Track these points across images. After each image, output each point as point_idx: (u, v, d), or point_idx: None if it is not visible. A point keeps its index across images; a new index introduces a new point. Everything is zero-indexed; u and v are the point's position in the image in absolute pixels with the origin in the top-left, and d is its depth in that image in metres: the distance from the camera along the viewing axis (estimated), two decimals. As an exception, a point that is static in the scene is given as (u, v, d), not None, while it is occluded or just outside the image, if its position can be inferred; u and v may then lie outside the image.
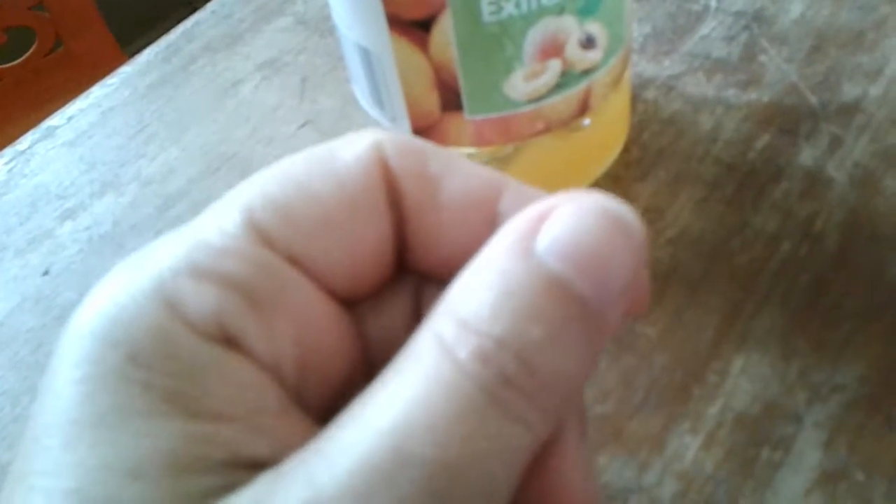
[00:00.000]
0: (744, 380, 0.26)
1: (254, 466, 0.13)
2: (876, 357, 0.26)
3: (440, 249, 0.16)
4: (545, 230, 0.13)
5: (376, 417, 0.12)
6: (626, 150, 0.33)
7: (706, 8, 0.38)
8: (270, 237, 0.14)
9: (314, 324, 0.15)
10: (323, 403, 0.15)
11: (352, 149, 0.15)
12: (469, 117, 0.27)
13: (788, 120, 0.33)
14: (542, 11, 0.24)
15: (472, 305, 0.13)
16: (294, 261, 0.15)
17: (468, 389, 0.12)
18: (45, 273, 0.34)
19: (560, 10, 0.24)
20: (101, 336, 0.13)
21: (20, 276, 0.34)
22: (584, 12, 0.25)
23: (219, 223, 0.14)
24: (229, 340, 0.14)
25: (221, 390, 0.13)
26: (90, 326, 0.13)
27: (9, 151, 0.40)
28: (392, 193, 0.15)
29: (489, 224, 0.15)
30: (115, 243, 0.34)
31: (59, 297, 0.33)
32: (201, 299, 0.13)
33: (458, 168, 0.16)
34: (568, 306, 0.12)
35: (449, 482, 0.12)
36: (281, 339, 0.14)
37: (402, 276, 0.17)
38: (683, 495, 0.24)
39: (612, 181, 0.32)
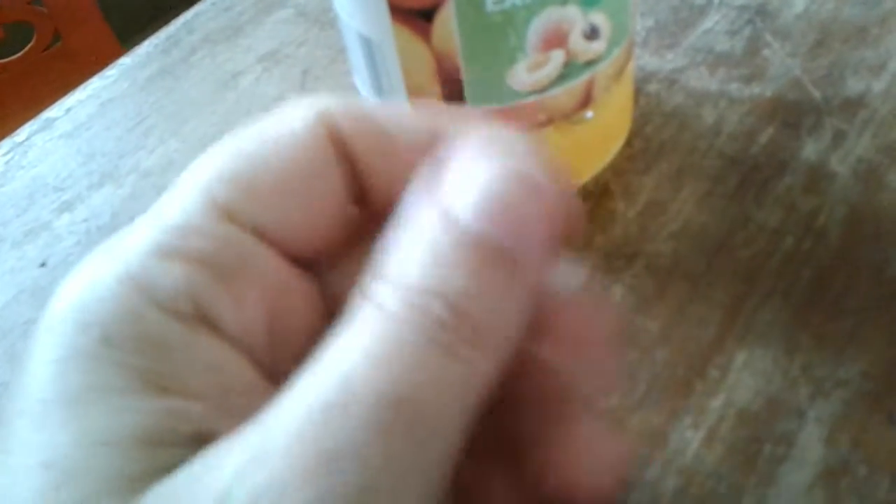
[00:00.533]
0: (746, 375, 0.25)
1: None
2: (878, 352, 0.25)
3: (396, 196, 0.16)
4: (460, 192, 0.14)
5: (322, 369, 0.12)
6: (628, 143, 0.33)
7: (709, 2, 0.38)
8: (231, 212, 0.15)
9: (280, 291, 0.15)
10: (292, 368, 0.16)
11: (297, 118, 0.16)
12: (471, 108, 0.26)
13: (792, 114, 0.33)
14: (546, 1, 0.24)
15: (397, 266, 0.13)
16: (256, 232, 0.15)
17: (405, 333, 0.12)
18: (42, 265, 0.34)
19: (564, 0, 0.24)
20: (74, 320, 0.13)
21: (17, 268, 0.34)
22: (588, 3, 0.25)
23: (180, 204, 0.15)
24: (201, 317, 0.14)
25: (192, 370, 0.13)
26: (63, 312, 0.14)
27: (6, 143, 0.40)
28: (341, 153, 0.16)
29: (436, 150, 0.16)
30: (112, 235, 0.34)
31: (56, 289, 0.33)
32: (170, 278, 0.14)
33: (399, 117, 0.16)
34: (488, 257, 0.13)
35: (396, 415, 0.12)
36: (250, 310, 0.14)
37: (359, 230, 0.17)
38: (685, 490, 0.23)
39: (614, 174, 0.32)
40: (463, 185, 0.14)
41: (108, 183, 0.36)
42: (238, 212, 0.15)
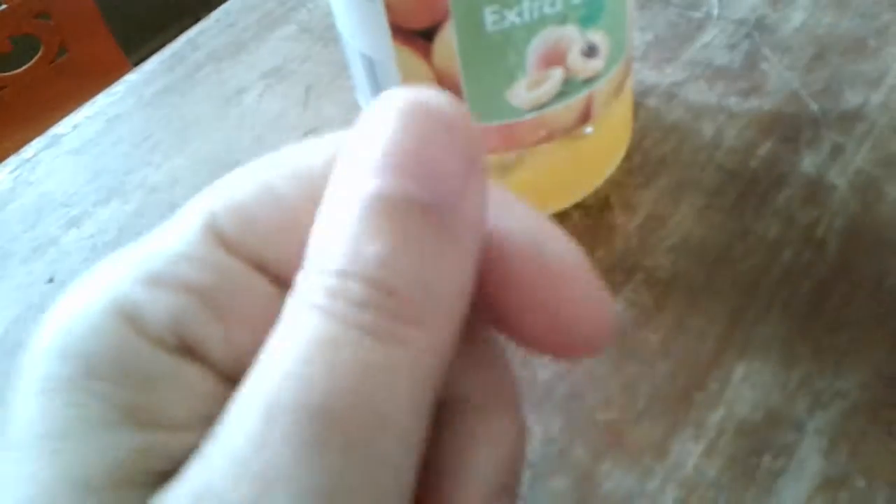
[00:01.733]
0: (746, 387, 0.26)
1: None
2: (877, 364, 0.26)
3: None
4: (356, 152, 0.12)
5: (248, 393, 0.12)
6: (628, 157, 0.33)
7: (708, 16, 0.39)
8: (231, 241, 0.14)
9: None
10: None
11: (320, 152, 0.15)
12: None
13: (790, 127, 0.33)
14: (545, 20, 0.24)
15: (312, 253, 0.12)
16: (257, 265, 0.14)
17: (324, 326, 0.11)
18: (50, 281, 0.34)
19: (562, 20, 0.25)
20: (58, 350, 0.13)
21: (25, 284, 0.34)
22: (587, 21, 0.25)
23: (179, 231, 0.14)
24: (187, 348, 0.13)
25: (176, 401, 0.13)
26: (48, 342, 0.13)
27: (14, 159, 0.40)
28: None
29: None
30: (119, 251, 0.34)
31: (65, 304, 0.33)
32: (157, 307, 0.13)
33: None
34: (403, 214, 0.12)
35: (322, 427, 0.11)
36: (241, 345, 0.14)
37: None
38: (685, 502, 0.24)
39: (614, 188, 0.32)
40: (359, 143, 0.12)
41: (114, 199, 0.37)
42: (237, 242, 0.14)
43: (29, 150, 0.40)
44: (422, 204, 0.12)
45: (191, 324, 0.13)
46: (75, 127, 0.41)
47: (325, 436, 0.11)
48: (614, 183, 0.32)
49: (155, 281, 0.13)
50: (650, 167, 0.33)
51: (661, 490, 0.24)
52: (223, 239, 0.14)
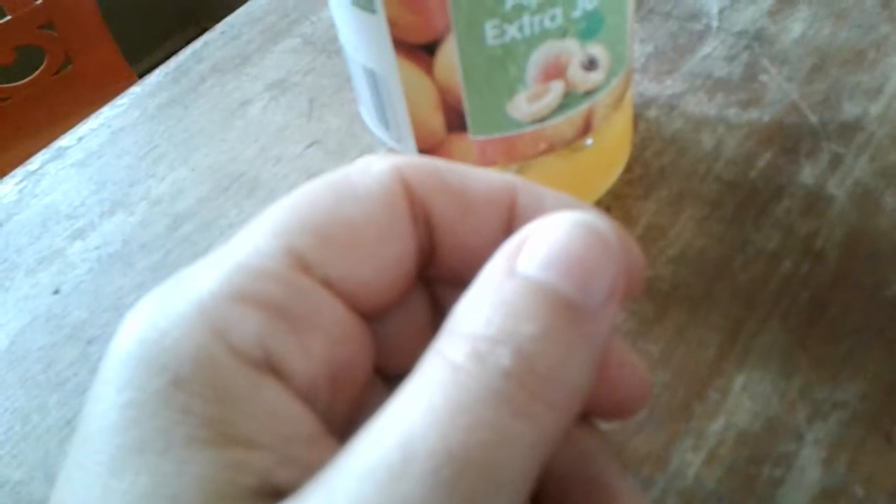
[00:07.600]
0: (745, 397, 0.26)
1: (279, 494, 0.13)
2: (876, 374, 0.26)
3: (465, 253, 0.16)
4: (526, 246, 0.14)
5: (384, 428, 0.12)
6: (628, 168, 0.33)
7: (708, 28, 0.39)
8: (307, 261, 0.15)
9: (344, 343, 0.15)
10: (344, 416, 0.16)
11: (372, 173, 0.16)
12: (473, 138, 0.27)
13: (789, 139, 0.33)
14: (545, 34, 0.25)
15: (467, 320, 0.13)
16: (327, 283, 0.15)
17: (468, 386, 0.12)
18: (56, 292, 0.34)
19: (562, 33, 0.25)
20: (146, 361, 0.13)
21: (31, 295, 0.34)
22: (586, 34, 0.25)
23: (256, 247, 0.15)
24: (270, 366, 0.14)
25: (257, 419, 0.13)
26: (134, 351, 0.13)
27: (20, 171, 0.40)
28: (417, 211, 0.16)
29: (507, 223, 0.16)
30: (124, 262, 0.35)
31: (70, 315, 0.33)
32: (245, 324, 0.14)
33: (473, 176, 0.17)
34: (557, 307, 0.13)
35: (456, 472, 0.12)
36: (317, 361, 0.14)
37: (415, 285, 0.17)
38: (686, 512, 0.24)
39: (614, 200, 0.32)
40: (531, 241, 0.14)
41: (119, 210, 0.37)
42: (312, 262, 0.15)
43: (34, 162, 0.41)
44: (573, 303, 0.13)
45: (275, 341, 0.14)
46: (80, 139, 0.41)
47: (455, 481, 0.12)
48: (614, 194, 0.32)
49: (241, 298, 0.14)
50: (650, 178, 0.33)
51: (662, 500, 0.24)
52: (300, 259, 0.15)
